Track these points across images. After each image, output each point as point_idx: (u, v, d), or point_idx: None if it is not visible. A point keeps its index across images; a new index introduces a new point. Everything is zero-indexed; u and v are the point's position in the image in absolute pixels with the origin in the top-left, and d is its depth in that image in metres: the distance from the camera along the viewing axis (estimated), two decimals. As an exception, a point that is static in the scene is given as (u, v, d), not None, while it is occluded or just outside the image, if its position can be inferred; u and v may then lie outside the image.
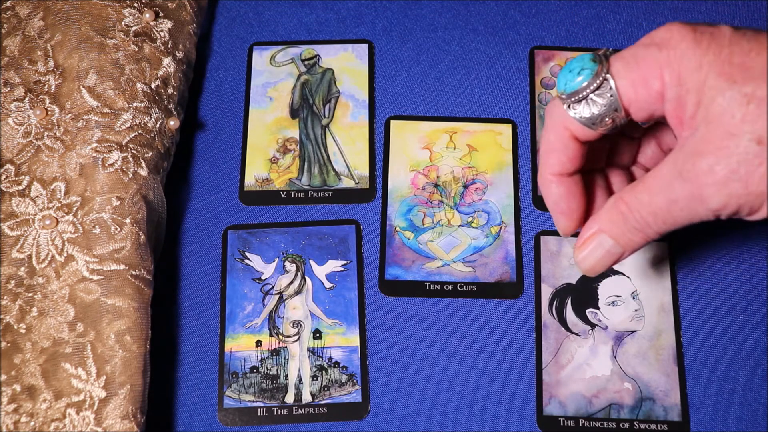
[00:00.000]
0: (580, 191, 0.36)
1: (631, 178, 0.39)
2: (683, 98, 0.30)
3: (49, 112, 0.43)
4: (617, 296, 0.45)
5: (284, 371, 0.44)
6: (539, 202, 0.48)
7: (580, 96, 0.32)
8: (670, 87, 0.30)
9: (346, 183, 0.49)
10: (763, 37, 0.30)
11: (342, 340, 0.45)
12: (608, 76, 0.31)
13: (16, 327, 0.40)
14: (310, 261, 0.47)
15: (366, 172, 0.49)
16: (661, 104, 0.31)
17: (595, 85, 0.32)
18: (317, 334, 0.45)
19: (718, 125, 0.29)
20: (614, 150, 0.39)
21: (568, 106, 0.33)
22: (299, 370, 0.44)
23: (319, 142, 0.50)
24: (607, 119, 0.32)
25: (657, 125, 0.38)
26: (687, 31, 0.30)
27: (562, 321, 0.45)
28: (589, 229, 0.35)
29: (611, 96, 0.32)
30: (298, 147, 0.50)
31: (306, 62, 0.52)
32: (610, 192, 0.39)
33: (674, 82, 0.30)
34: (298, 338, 0.45)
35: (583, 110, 0.32)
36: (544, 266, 0.46)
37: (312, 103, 0.51)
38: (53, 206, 0.42)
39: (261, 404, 0.43)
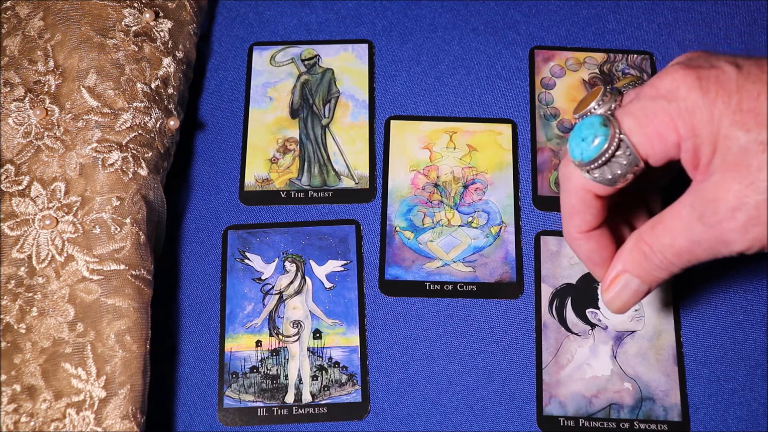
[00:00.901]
0: (609, 240, 0.37)
1: (646, 204, 0.40)
2: (699, 148, 0.31)
3: (49, 112, 0.43)
4: (617, 296, 0.45)
5: (284, 371, 0.44)
6: (539, 202, 0.48)
7: (599, 162, 0.32)
8: (685, 139, 0.31)
9: (346, 183, 0.49)
10: (765, 76, 0.30)
11: (342, 340, 0.45)
12: (623, 136, 0.32)
13: (16, 327, 0.40)
14: (310, 261, 0.47)
15: (366, 172, 0.49)
16: (678, 152, 0.32)
17: (612, 149, 0.32)
18: (317, 334, 0.45)
19: (735, 173, 0.30)
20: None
21: (587, 171, 0.33)
22: (299, 370, 0.44)
23: (319, 142, 0.50)
24: (628, 175, 0.33)
25: None
26: (692, 80, 0.30)
27: (562, 321, 0.45)
28: (614, 270, 0.36)
29: (630, 155, 0.32)
30: (298, 147, 0.50)
31: (306, 62, 0.52)
32: (628, 222, 0.39)
33: (689, 134, 0.31)
34: (298, 338, 0.45)
35: (604, 173, 0.33)
36: (544, 266, 0.46)
37: (312, 103, 0.51)
38: (53, 206, 0.42)
39: (261, 404, 0.43)
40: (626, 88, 0.36)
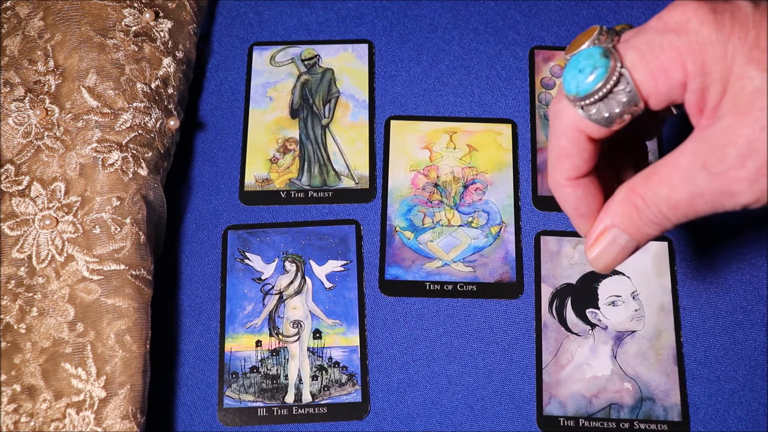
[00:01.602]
0: (597, 189, 0.33)
1: (634, 153, 0.37)
2: (707, 88, 0.28)
3: (49, 112, 0.43)
4: (617, 296, 0.45)
5: (284, 371, 0.44)
6: (539, 202, 0.48)
7: (596, 97, 0.29)
8: (693, 77, 0.28)
9: (346, 183, 0.49)
10: None
11: (342, 340, 0.45)
12: (624, 71, 0.29)
13: (16, 327, 0.40)
14: (310, 261, 0.47)
15: (366, 172, 0.49)
16: (682, 93, 0.29)
17: (611, 83, 0.29)
18: (317, 334, 0.45)
19: (747, 116, 0.27)
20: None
21: (581, 108, 0.30)
22: (299, 370, 0.44)
23: (319, 142, 0.50)
24: (625, 115, 0.30)
25: None
26: (706, 12, 0.27)
27: (562, 321, 0.45)
28: (601, 223, 0.32)
29: (630, 91, 0.29)
30: (298, 147, 0.50)
31: (306, 62, 0.52)
32: (616, 174, 0.36)
33: (698, 72, 0.28)
34: (298, 338, 0.45)
35: (600, 110, 0.30)
36: (544, 266, 0.46)
37: (312, 103, 0.51)
38: (53, 206, 0.42)
39: (261, 404, 0.43)
40: (624, 31, 0.33)
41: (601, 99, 0.29)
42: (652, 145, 0.49)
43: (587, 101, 0.30)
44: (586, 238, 0.34)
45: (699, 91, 0.28)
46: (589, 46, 0.30)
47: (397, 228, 0.47)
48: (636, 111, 0.29)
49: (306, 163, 0.49)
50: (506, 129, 0.50)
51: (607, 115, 0.30)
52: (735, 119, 0.27)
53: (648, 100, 0.29)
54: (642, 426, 0.42)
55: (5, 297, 0.40)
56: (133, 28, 0.46)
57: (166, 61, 0.47)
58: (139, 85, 0.45)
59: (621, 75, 0.29)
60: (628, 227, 0.31)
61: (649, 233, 0.31)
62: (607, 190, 0.34)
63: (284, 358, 0.44)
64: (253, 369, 0.44)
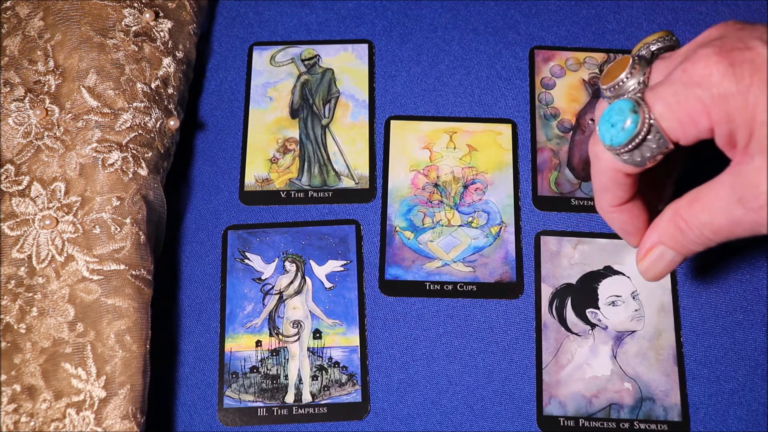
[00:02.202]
0: (641, 210, 0.37)
1: (668, 170, 0.40)
2: (734, 133, 0.31)
3: (49, 112, 0.43)
4: (617, 296, 0.45)
5: (284, 371, 0.44)
6: (539, 202, 0.48)
7: (630, 147, 0.32)
8: (719, 125, 0.31)
9: (346, 183, 0.49)
10: None
11: (342, 340, 0.45)
12: (653, 121, 0.32)
13: (16, 327, 0.40)
14: (310, 261, 0.47)
15: (366, 172, 0.49)
16: (711, 135, 0.31)
17: (642, 135, 0.32)
18: (317, 334, 0.45)
19: None
20: None
21: (617, 154, 0.33)
22: (299, 370, 0.44)
23: (319, 142, 0.50)
24: (657, 156, 0.33)
25: None
26: (725, 67, 0.30)
27: (562, 321, 0.45)
28: (649, 240, 0.36)
29: (660, 139, 0.32)
30: (298, 147, 0.50)
31: (306, 62, 0.52)
32: (654, 187, 0.40)
33: (723, 120, 0.30)
34: (298, 338, 0.45)
35: (634, 156, 0.33)
36: (544, 266, 0.46)
37: (312, 103, 0.51)
38: (53, 206, 0.42)
39: (261, 404, 0.43)
40: (654, 45, 0.35)
41: (635, 148, 0.33)
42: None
43: (621, 150, 0.33)
44: (637, 252, 0.38)
45: (727, 135, 0.31)
46: (623, 78, 0.33)
47: (397, 228, 0.47)
48: (667, 152, 0.33)
49: (306, 163, 0.49)
50: (506, 129, 0.50)
51: (639, 159, 0.33)
52: (762, 160, 0.30)
53: (678, 142, 0.32)
54: (642, 426, 0.42)
55: (5, 297, 0.40)
56: (133, 28, 0.46)
57: (166, 61, 0.47)
58: (139, 85, 0.45)
59: (651, 125, 0.32)
60: (674, 245, 0.35)
61: (693, 250, 0.35)
62: (648, 203, 0.39)
63: (284, 358, 0.44)
64: (253, 369, 0.44)
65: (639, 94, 0.33)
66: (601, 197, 0.37)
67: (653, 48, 0.35)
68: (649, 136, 0.32)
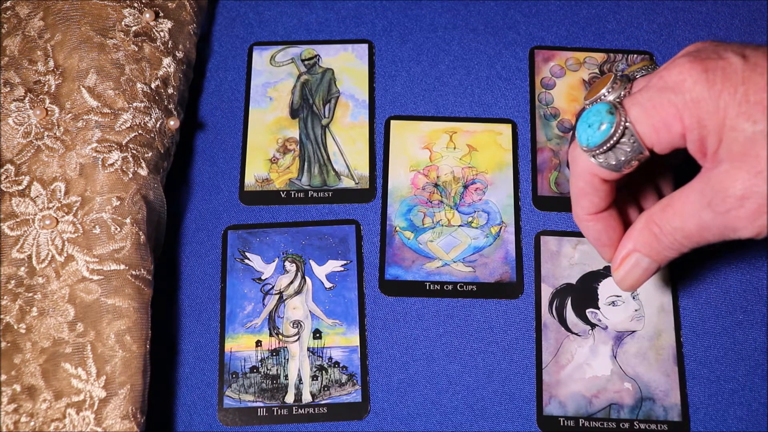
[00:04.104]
0: (616, 222, 0.38)
1: (655, 184, 0.40)
2: (705, 138, 0.31)
3: (49, 112, 0.43)
4: (617, 296, 0.45)
5: (284, 371, 0.44)
6: (539, 202, 0.48)
7: (604, 148, 0.33)
8: (690, 130, 0.31)
9: (346, 183, 0.49)
10: None
11: (342, 340, 0.45)
12: (629, 124, 0.32)
13: (16, 327, 0.40)
14: (310, 261, 0.47)
15: (366, 172, 0.49)
16: (683, 142, 0.32)
17: (617, 136, 0.33)
18: (317, 334, 0.45)
19: (742, 163, 0.30)
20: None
21: (593, 156, 0.34)
22: (299, 370, 0.44)
23: (319, 142, 0.50)
24: (632, 162, 0.33)
25: None
26: (698, 73, 0.31)
27: (562, 321, 0.45)
28: (624, 248, 0.37)
29: (634, 143, 0.33)
30: (298, 147, 0.50)
31: (306, 62, 0.52)
32: (636, 202, 0.40)
33: (694, 125, 0.31)
34: (298, 338, 0.45)
35: (609, 159, 0.34)
36: (544, 266, 0.46)
37: (312, 103, 0.51)
38: (53, 206, 0.42)
39: (261, 404, 0.43)
40: (638, 73, 0.37)
41: (609, 149, 0.33)
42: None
43: (597, 151, 0.34)
44: (612, 261, 0.38)
45: (698, 141, 0.32)
46: (604, 92, 0.34)
47: (397, 228, 0.47)
48: (642, 158, 0.33)
49: (306, 163, 0.49)
50: (506, 129, 0.50)
51: (614, 162, 0.34)
52: (731, 165, 0.31)
53: (653, 148, 0.33)
54: (642, 426, 0.42)
55: (5, 297, 0.40)
56: (133, 28, 0.46)
57: (166, 61, 0.47)
58: (139, 85, 0.45)
59: (626, 128, 0.33)
60: (649, 251, 0.36)
61: (668, 256, 0.35)
62: (628, 218, 0.39)
63: (284, 358, 0.44)
64: (253, 369, 0.44)
65: (618, 101, 0.34)
66: (577, 203, 0.37)
67: (637, 75, 0.37)
68: (623, 139, 0.33)
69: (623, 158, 0.33)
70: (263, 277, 0.46)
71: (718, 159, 0.31)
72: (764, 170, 0.30)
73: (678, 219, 0.33)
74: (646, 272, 0.37)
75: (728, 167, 0.31)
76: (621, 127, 0.32)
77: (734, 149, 0.30)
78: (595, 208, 0.37)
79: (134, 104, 0.44)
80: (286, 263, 0.47)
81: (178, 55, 0.48)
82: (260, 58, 0.52)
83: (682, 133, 0.32)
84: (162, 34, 0.47)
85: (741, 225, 0.31)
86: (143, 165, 0.43)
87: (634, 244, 0.36)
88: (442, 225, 0.47)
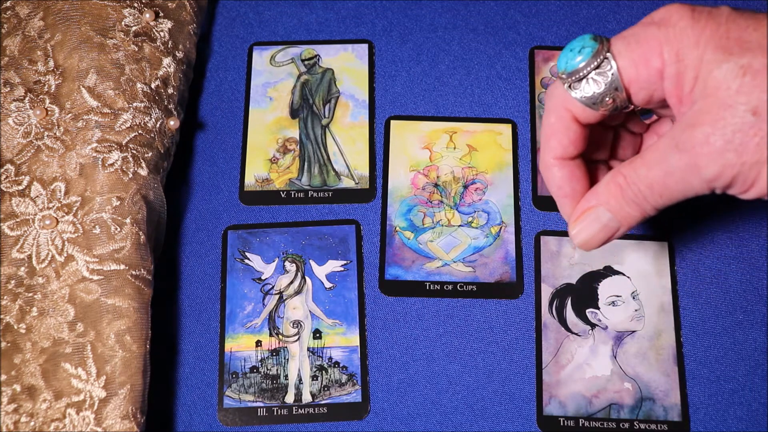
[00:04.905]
0: (583, 174, 0.36)
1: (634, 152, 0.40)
2: (682, 74, 0.31)
3: (49, 112, 0.43)
4: (617, 296, 0.45)
5: (284, 371, 0.44)
6: (539, 202, 0.48)
7: (581, 75, 0.33)
8: (669, 64, 0.31)
9: (346, 183, 0.49)
10: (761, 16, 0.30)
11: (342, 340, 0.45)
12: (609, 54, 0.32)
13: (16, 327, 0.40)
14: (310, 261, 0.47)
15: (366, 172, 0.49)
16: (661, 83, 0.32)
17: (595, 63, 0.32)
18: (317, 334, 0.45)
19: (714, 97, 0.30)
20: (617, 144, 0.39)
21: (569, 86, 0.33)
22: (299, 370, 0.44)
23: (319, 142, 0.50)
24: (607, 99, 0.33)
25: (658, 121, 0.39)
26: (685, 10, 0.31)
27: (562, 321, 0.45)
28: (587, 202, 0.35)
29: (612, 74, 0.32)
30: (298, 147, 0.50)
31: (306, 62, 0.52)
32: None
33: (673, 59, 0.31)
34: (298, 338, 0.45)
35: (584, 89, 0.33)
36: (544, 266, 0.46)
37: (312, 103, 0.51)
38: (53, 206, 0.42)
39: (261, 404, 0.43)
40: None
41: (585, 77, 0.33)
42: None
43: (573, 77, 0.33)
44: (571, 215, 0.36)
45: (674, 77, 0.31)
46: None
47: (397, 228, 0.47)
48: (618, 97, 0.33)
49: (306, 163, 0.49)
50: (506, 129, 0.50)
51: (589, 94, 0.33)
52: (704, 101, 0.30)
53: (629, 87, 0.32)
54: (642, 426, 0.42)
55: (5, 297, 0.40)
56: (133, 28, 0.46)
57: (166, 61, 0.47)
58: (139, 85, 0.45)
59: (605, 58, 0.32)
60: (611, 205, 0.34)
61: (630, 213, 0.34)
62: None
63: (284, 358, 0.44)
64: (253, 369, 0.44)
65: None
66: (546, 145, 0.35)
67: None
68: (601, 68, 0.32)
69: (598, 90, 0.32)
70: (263, 277, 0.46)
71: (693, 98, 0.31)
72: (734, 104, 0.29)
73: (644, 167, 0.32)
74: (604, 230, 0.35)
75: (700, 104, 0.30)
76: (601, 56, 0.32)
77: (708, 84, 0.30)
78: (563, 150, 0.35)
79: (134, 104, 0.44)
80: (286, 263, 0.47)
81: (178, 55, 0.48)
82: (260, 58, 0.52)
83: (660, 68, 0.31)
84: (162, 34, 0.47)
85: (704, 162, 0.30)
86: (143, 165, 0.43)
87: (597, 199, 0.34)
88: (442, 225, 0.47)
